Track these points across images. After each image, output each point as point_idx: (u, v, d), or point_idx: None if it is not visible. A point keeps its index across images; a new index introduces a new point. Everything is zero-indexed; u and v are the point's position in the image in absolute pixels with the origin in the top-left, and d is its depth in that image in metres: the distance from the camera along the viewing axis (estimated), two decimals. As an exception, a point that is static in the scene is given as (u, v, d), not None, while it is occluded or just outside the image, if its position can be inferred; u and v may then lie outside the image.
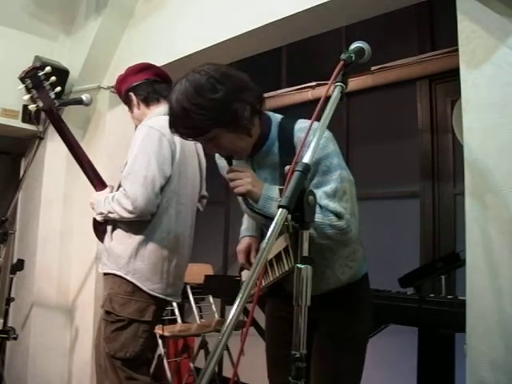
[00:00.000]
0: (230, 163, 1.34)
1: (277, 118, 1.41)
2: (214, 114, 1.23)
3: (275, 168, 1.36)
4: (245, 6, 2.33)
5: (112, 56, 3.03)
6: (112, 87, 2.89)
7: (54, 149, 3.05)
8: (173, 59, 2.61)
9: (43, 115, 2.70)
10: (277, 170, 1.36)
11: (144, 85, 2.03)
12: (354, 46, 1.19)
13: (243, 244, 1.58)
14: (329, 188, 1.26)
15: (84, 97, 2.30)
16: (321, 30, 2.29)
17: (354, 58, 1.15)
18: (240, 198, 1.38)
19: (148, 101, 2.02)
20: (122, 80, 2.08)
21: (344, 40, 3.30)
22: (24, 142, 3.30)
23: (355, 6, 2.02)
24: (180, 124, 1.29)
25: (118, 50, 3.02)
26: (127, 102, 2.07)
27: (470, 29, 1.61)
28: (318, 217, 1.22)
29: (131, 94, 2.03)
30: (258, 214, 1.28)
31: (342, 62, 1.13)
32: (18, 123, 3.01)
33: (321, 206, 1.25)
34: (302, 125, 1.34)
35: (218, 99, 1.23)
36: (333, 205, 1.25)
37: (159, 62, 2.18)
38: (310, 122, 1.24)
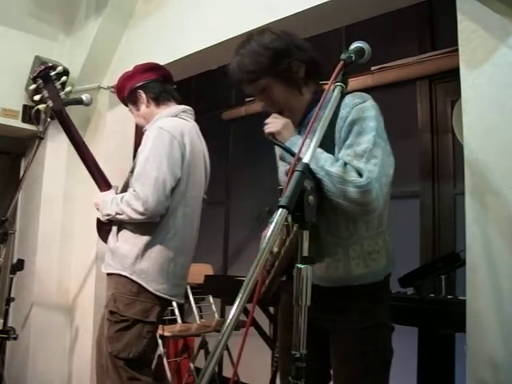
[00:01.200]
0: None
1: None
2: (268, 61, 1.31)
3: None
4: (245, 5, 2.33)
5: (112, 56, 3.03)
6: (112, 87, 2.90)
7: (54, 149, 3.05)
8: (173, 59, 2.61)
9: (43, 115, 2.69)
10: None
11: (155, 83, 2.03)
12: (353, 45, 1.19)
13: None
14: (359, 148, 1.23)
15: (84, 97, 2.30)
16: (321, 30, 2.29)
17: (354, 57, 1.15)
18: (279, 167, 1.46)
19: (159, 100, 2.02)
20: (128, 77, 2.05)
21: (344, 40, 3.30)
22: (24, 142, 3.30)
23: (355, 5, 2.02)
24: (238, 70, 1.35)
25: (118, 50, 3.02)
26: (133, 99, 2.04)
27: (470, 29, 1.61)
28: (340, 170, 1.19)
29: (140, 91, 2.01)
30: (283, 148, 1.31)
31: (341, 62, 1.13)
32: (18, 123, 3.00)
33: (345, 163, 1.22)
34: (347, 100, 1.31)
35: (273, 48, 1.32)
36: (357, 162, 1.21)
37: (159, 62, 2.17)
38: (360, 94, 1.33)
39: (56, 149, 3.05)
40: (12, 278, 2.67)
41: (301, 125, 1.39)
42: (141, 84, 2.02)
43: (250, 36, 1.38)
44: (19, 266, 2.72)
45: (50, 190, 3.08)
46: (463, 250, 1.60)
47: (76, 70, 2.99)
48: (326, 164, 1.21)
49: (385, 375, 1.35)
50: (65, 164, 3.08)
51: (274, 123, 1.35)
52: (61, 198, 3.10)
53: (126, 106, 2.14)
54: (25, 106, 2.98)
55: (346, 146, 1.25)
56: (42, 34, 3.09)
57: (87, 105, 2.34)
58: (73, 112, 2.94)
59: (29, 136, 3.14)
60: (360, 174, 1.19)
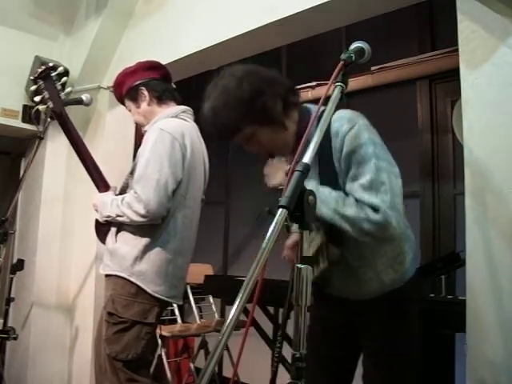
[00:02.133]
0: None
1: (317, 110, 1.38)
2: (244, 111, 1.26)
3: (315, 161, 1.30)
4: (245, 5, 2.33)
5: (112, 56, 3.03)
6: (112, 86, 2.89)
7: (54, 149, 3.05)
8: (173, 59, 2.61)
9: (43, 115, 2.70)
10: (316, 163, 1.31)
11: (158, 82, 2.01)
12: (354, 46, 1.19)
13: (292, 239, 1.46)
14: (364, 180, 1.21)
15: (84, 97, 2.30)
16: (321, 30, 2.29)
17: (354, 57, 1.15)
18: None
19: (161, 99, 2.00)
20: (130, 73, 2.03)
21: (344, 40, 3.30)
22: (24, 142, 3.30)
23: (355, 5, 2.02)
24: (214, 127, 1.31)
25: (118, 50, 3.02)
26: (133, 96, 2.02)
27: (470, 29, 1.61)
28: (354, 211, 1.19)
29: (143, 88, 1.99)
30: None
31: (341, 62, 1.12)
32: (18, 123, 3.00)
33: (357, 200, 1.20)
34: (335, 126, 1.28)
35: (245, 96, 1.26)
36: (368, 197, 1.20)
37: (159, 61, 2.18)
38: (347, 117, 1.28)
39: (56, 149, 3.05)
40: (12, 278, 2.67)
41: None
42: (144, 81, 2.00)
43: (214, 84, 1.32)
44: (19, 265, 2.72)
45: (50, 190, 3.08)
46: (463, 250, 1.60)
47: (76, 70, 2.99)
48: (338, 206, 1.20)
49: (417, 376, 1.38)
50: (65, 164, 3.08)
51: (275, 174, 1.33)
52: (61, 198, 3.10)
53: (121, 102, 2.11)
54: (25, 106, 2.98)
55: (351, 179, 1.24)
56: (42, 33, 3.09)
57: (87, 105, 2.33)
58: (73, 112, 2.93)
59: (29, 136, 3.14)
60: (374, 209, 1.19)
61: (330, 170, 1.27)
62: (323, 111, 1.06)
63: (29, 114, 2.98)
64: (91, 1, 2.98)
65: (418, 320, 1.40)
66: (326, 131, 1.22)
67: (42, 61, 2.79)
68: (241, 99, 1.26)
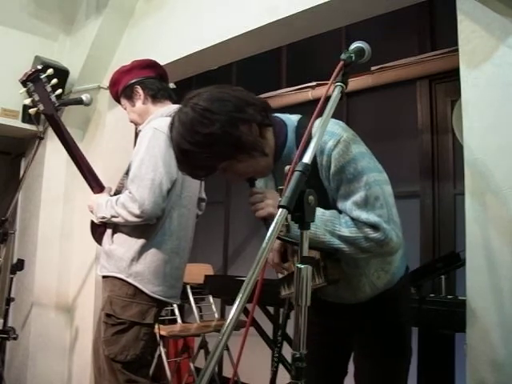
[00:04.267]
0: (251, 185, 1.24)
1: (293, 121, 1.29)
2: (217, 149, 1.14)
3: None
4: (245, 6, 2.33)
5: (112, 56, 3.02)
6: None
7: (53, 149, 3.05)
8: (173, 59, 2.61)
9: (43, 116, 2.70)
10: None
11: (153, 80, 2.01)
12: (353, 45, 1.18)
13: (277, 243, 1.38)
14: (358, 197, 1.16)
15: (84, 97, 2.30)
16: (321, 30, 2.29)
17: (354, 58, 1.14)
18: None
19: (156, 98, 2.00)
20: (125, 71, 2.02)
21: (344, 40, 3.30)
22: (24, 142, 3.30)
23: (355, 5, 2.02)
24: (187, 167, 1.22)
25: (118, 50, 3.02)
26: (129, 94, 2.01)
27: (470, 29, 1.61)
28: (352, 231, 1.14)
29: (138, 86, 1.99)
30: (287, 241, 1.19)
31: (341, 62, 1.12)
32: (18, 123, 3.00)
33: (353, 219, 1.16)
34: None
35: (215, 132, 1.12)
36: (365, 215, 1.14)
37: (159, 61, 2.17)
38: (330, 131, 1.17)
39: (56, 149, 3.03)
40: (12, 278, 2.68)
41: (273, 169, 1.29)
42: (139, 80, 1.99)
43: (177, 118, 1.18)
44: (19, 266, 2.72)
45: (50, 189, 3.08)
46: (463, 250, 1.60)
47: (76, 70, 2.99)
48: (335, 228, 1.15)
49: (407, 372, 1.39)
50: (65, 164, 3.07)
51: (260, 205, 1.18)
52: (61, 198, 3.10)
53: (117, 101, 2.10)
54: (25, 106, 2.98)
55: (343, 197, 1.18)
56: (42, 33, 3.08)
57: (87, 105, 2.34)
58: (73, 112, 2.96)
59: (29, 136, 3.14)
60: (373, 227, 1.14)
61: (318, 187, 1.19)
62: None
63: (29, 114, 2.97)
64: (91, 1, 2.98)
65: (409, 318, 1.41)
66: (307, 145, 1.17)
67: (42, 61, 2.79)
68: (211, 136, 1.12)
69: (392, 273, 1.35)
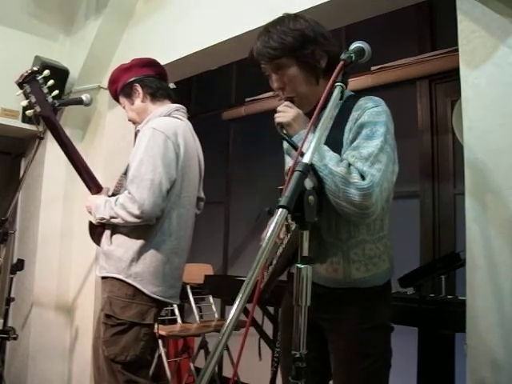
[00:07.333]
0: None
1: (348, 92, 1.37)
2: (294, 42, 1.30)
3: (327, 128, 1.32)
4: (245, 5, 2.33)
5: (112, 56, 3.03)
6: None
7: (53, 149, 3.04)
8: (173, 59, 2.61)
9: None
10: (328, 130, 1.31)
11: (153, 79, 2.01)
12: (353, 45, 1.19)
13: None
14: (365, 151, 1.20)
15: (84, 97, 2.29)
16: (321, 30, 2.29)
17: (353, 57, 1.15)
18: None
19: (155, 96, 1.99)
20: (125, 69, 2.02)
21: (344, 40, 3.30)
22: (24, 142, 3.30)
23: (355, 6, 2.02)
24: (260, 46, 1.33)
25: (118, 50, 3.02)
26: (128, 92, 2.00)
27: (470, 29, 1.61)
28: (342, 170, 1.17)
29: (137, 84, 1.98)
30: (288, 142, 1.28)
31: (341, 62, 1.13)
32: (17, 123, 3.00)
33: (349, 164, 1.20)
34: (360, 102, 1.29)
35: (301, 30, 1.31)
36: (361, 164, 1.19)
37: (159, 61, 2.17)
38: (374, 99, 1.29)
39: (56, 149, 2.99)
40: (12, 278, 2.68)
41: (310, 116, 1.33)
42: (138, 78, 1.99)
43: (281, 19, 1.36)
44: (19, 266, 2.72)
45: (50, 189, 3.08)
46: (463, 250, 1.60)
47: (76, 70, 3.00)
48: (330, 163, 1.19)
49: (384, 376, 1.34)
50: (65, 164, 3.06)
51: (285, 113, 1.29)
52: (61, 198, 3.10)
53: (116, 99, 2.10)
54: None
55: (352, 148, 1.23)
56: (42, 33, 3.09)
57: (87, 105, 2.33)
58: (73, 112, 2.96)
59: (29, 136, 3.15)
60: (362, 177, 1.17)
61: (336, 139, 1.27)
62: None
63: (29, 114, 2.98)
64: (91, 1, 2.99)
65: (381, 324, 1.35)
66: (346, 115, 1.28)
67: (42, 61, 2.79)
68: (298, 31, 1.30)
69: (373, 274, 1.32)
